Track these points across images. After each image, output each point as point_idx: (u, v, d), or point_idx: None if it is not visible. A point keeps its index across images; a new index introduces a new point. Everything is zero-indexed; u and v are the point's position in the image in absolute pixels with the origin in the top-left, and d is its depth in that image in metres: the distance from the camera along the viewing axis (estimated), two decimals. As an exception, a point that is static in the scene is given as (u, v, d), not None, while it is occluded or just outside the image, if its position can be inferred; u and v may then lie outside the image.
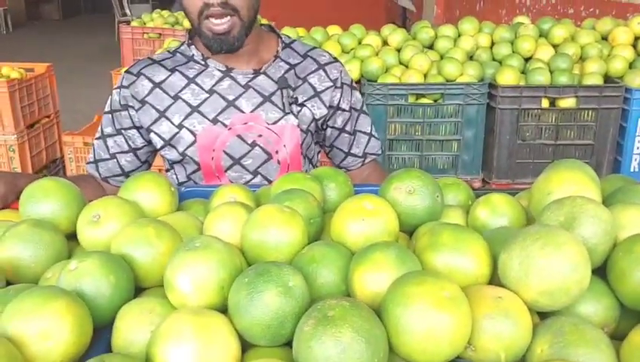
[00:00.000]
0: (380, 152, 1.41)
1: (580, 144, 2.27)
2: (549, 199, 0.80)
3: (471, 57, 2.40)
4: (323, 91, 1.30)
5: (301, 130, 1.27)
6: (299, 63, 1.31)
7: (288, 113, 1.26)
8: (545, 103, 2.23)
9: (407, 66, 2.31)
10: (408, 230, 0.87)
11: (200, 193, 1.03)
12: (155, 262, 0.74)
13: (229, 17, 1.16)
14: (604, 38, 2.50)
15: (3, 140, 3.08)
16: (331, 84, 1.31)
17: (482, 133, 2.26)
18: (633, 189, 0.90)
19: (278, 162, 1.27)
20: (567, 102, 2.22)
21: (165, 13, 4.33)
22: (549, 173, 0.85)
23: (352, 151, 1.38)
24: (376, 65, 2.26)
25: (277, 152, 1.26)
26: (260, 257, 0.75)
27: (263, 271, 0.64)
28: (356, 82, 2.34)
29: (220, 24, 1.16)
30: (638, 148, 2.23)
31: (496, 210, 0.86)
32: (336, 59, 1.36)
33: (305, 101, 1.28)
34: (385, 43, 2.51)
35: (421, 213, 0.85)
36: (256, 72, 1.26)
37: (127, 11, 9.95)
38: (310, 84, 1.29)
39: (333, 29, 2.57)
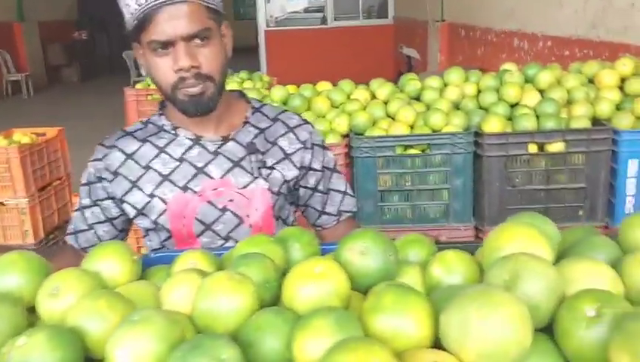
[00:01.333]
0: (355, 209, 1.43)
1: (571, 188, 2.26)
2: (498, 255, 0.80)
3: (458, 107, 2.43)
4: (293, 153, 1.33)
5: (272, 192, 1.29)
6: (268, 127, 1.34)
7: (257, 177, 1.28)
8: (533, 149, 2.23)
9: (394, 119, 2.35)
10: (364, 290, 0.87)
11: (169, 258, 1.04)
12: (106, 333, 0.75)
13: (201, 82, 1.18)
14: (591, 81, 2.53)
15: (15, 204, 3.16)
16: (301, 145, 1.34)
17: (471, 181, 2.27)
18: (590, 241, 0.90)
19: (250, 226, 1.28)
20: (556, 147, 2.23)
21: (168, 75, 4.48)
22: (499, 229, 0.85)
23: (326, 210, 1.40)
24: (364, 119, 2.31)
25: (248, 216, 1.28)
26: (210, 326, 0.76)
27: (197, 344, 0.65)
28: (345, 136, 2.38)
29: (193, 86, 1.18)
30: (630, 189, 2.21)
31: (451, 268, 0.86)
32: (306, 121, 1.39)
33: (274, 164, 1.30)
34: (373, 96, 2.56)
35: (374, 273, 0.85)
36: (225, 139, 1.29)
37: (142, 72, 10.31)
38: (280, 147, 1.32)
39: (323, 85, 2.63)
